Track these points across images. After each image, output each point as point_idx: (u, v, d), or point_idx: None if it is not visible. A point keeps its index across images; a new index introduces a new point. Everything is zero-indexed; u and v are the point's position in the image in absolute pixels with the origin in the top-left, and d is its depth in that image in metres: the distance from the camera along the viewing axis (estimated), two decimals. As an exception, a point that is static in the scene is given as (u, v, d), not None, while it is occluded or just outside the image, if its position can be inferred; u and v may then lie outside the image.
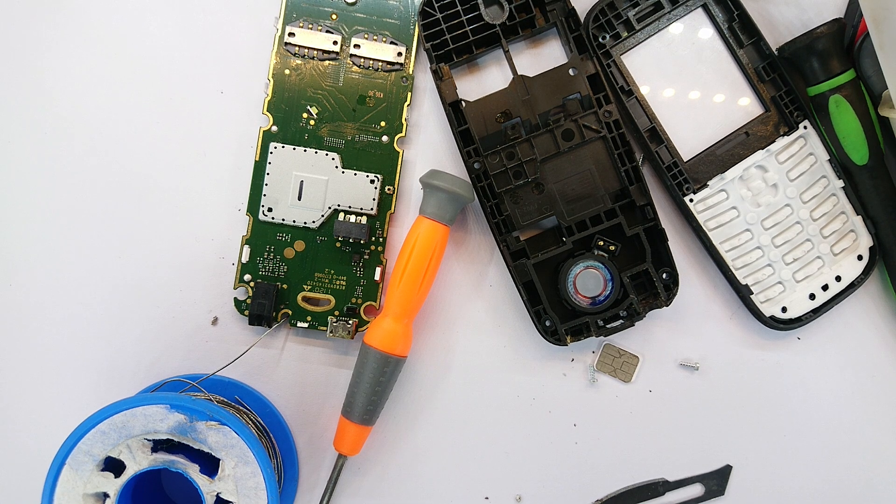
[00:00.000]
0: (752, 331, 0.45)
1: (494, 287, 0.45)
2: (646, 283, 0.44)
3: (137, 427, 0.35)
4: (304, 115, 0.44)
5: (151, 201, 0.44)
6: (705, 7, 0.44)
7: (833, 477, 0.46)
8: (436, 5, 0.43)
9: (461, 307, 0.45)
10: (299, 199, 0.43)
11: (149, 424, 0.35)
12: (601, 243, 0.43)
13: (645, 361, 0.45)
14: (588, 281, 0.42)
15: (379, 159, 0.44)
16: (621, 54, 0.44)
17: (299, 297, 0.44)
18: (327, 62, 0.44)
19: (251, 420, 0.42)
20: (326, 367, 0.44)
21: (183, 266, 0.44)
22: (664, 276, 0.43)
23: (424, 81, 0.45)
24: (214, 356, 0.44)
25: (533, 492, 0.45)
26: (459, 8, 0.43)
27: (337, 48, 0.44)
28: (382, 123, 0.44)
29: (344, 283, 0.44)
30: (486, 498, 0.45)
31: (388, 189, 0.44)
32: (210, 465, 0.36)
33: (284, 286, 0.44)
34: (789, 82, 0.43)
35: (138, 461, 0.35)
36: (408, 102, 0.44)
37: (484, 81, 0.45)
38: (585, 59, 0.43)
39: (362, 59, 0.44)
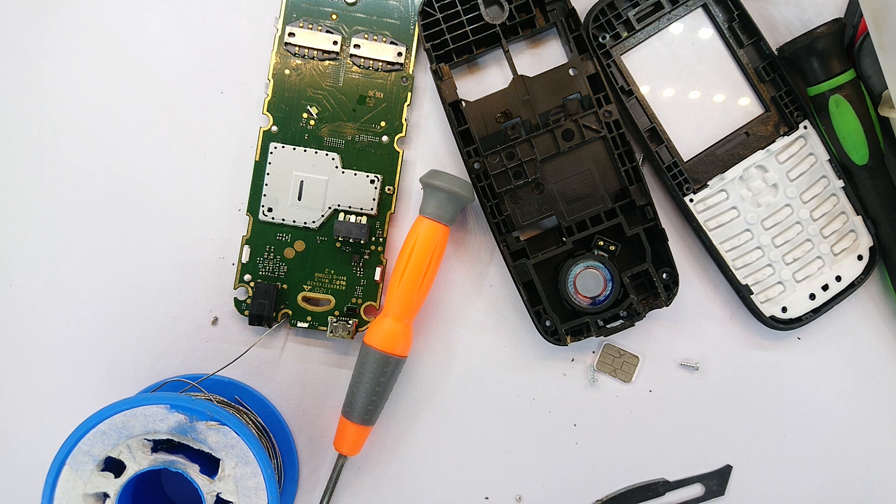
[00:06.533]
0: (752, 331, 0.45)
1: (494, 287, 0.45)
2: (646, 283, 0.44)
3: (137, 427, 0.35)
4: (304, 115, 0.44)
5: (151, 201, 0.44)
6: (705, 7, 0.44)
7: (833, 477, 0.46)
8: (436, 5, 0.43)
9: (461, 307, 0.45)
10: (299, 199, 0.43)
11: (149, 424, 0.35)
12: (601, 243, 0.43)
13: (645, 361, 0.45)
14: (588, 281, 0.42)
15: (379, 159, 0.44)
16: (621, 54, 0.44)
17: (299, 297, 0.44)
18: (327, 62, 0.44)
19: (251, 420, 0.42)
20: (326, 367, 0.44)
21: (183, 266, 0.44)
22: (664, 276, 0.43)
23: (424, 81, 0.45)
24: (214, 356, 0.44)
25: (533, 492, 0.45)
26: (459, 8, 0.43)
27: (337, 48, 0.44)
28: (382, 123, 0.44)
29: (344, 283, 0.44)
30: (486, 498, 0.45)
31: (388, 189, 0.44)
32: (210, 465, 0.36)
33: (284, 286, 0.44)
34: (789, 82, 0.43)
35: (138, 461, 0.35)
36: (408, 102, 0.44)
37: (484, 81, 0.45)
38: (585, 59, 0.43)
39: (362, 59, 0.44)
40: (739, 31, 0.44)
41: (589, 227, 0.43)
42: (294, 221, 0.43)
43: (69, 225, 0.44)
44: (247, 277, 0.43)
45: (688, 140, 0.44)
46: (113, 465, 0.35)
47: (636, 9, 0.43)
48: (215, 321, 0.44)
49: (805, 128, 0.44)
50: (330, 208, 0.43)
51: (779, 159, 0.44)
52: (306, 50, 0.43)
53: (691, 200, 0.43)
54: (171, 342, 0.44)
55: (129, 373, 0.44)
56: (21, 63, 0.44)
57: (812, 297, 0.44)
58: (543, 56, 0.45)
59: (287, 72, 0.44)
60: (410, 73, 0.44)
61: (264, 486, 0.35)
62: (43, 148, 0.44)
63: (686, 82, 0.44)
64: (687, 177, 0.43)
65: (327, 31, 0.44)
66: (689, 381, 0.45)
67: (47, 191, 0.44)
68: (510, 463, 0.45)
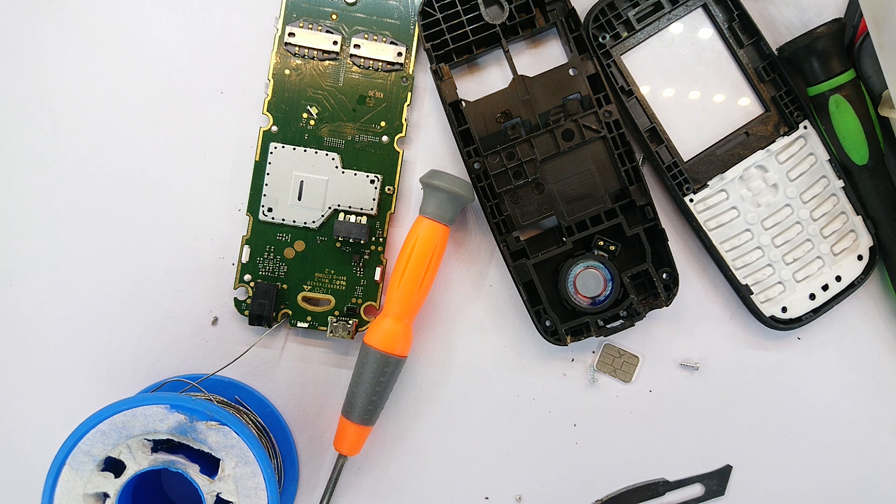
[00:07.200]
0: (752, 331, 0.45)
1: (494, 287, 0.45)
2: (646, 283, 0.44)
3: (137, 427, 0.35)
4: (304, 115, 0.44)
5: (151, 201, 0.44)
6: (705, 7, 0.44)
7: (833, 477, 0.46)
8: (436, 5, 0.43)
9: (461, 307, 0.45)
10: (299, 199, 0.43)
11: (149, 424, 0.35)
12: (601, 243, 0.43)
13: (645, 361, 0.45)
14: (588, 281, 0.42)
15: (379, 159, 0.44)
16: (621, 54, 0.44)
17: (299, 297, 0.44)
18: (327, 62, 0.44)
19: (251, 420, 0.42)
20: (326, 367, 0.44)
21: (183, 266, 0.44)
22: (664, 276, 0.43)
23: (424, 81, 0.45)
24: (214, 356, 0.44)
25: (533, 492, 0.45)
26: (459, 8, 0.43)
27: (337, 48, 0.44)
28: (382, 123, 0.44)
29: (344, 283, 0.44)
30: (486, 498, 0.45)
31: (388, 189, 0.44)
32: (210, 465, 0.36)
33: (284, 286, 0.44)
34: (789, 82, 0.43)
35: (138, 461, 0.35)
36: (408, 102, 0.44)
37: (484, 81, 0.45)
38: (585, 59, 0.43)
39: (362, 59, 0.44)
40: (739, 31, 0.44)
41: (589, 227, 0.43)
42: (294, 221, 0.43)
43: (69, 225, 0.44)
44: (247, 277, 0.43)
45: (688, 140, 0.44)
46: (113, 465, 0.35)
47: (636, 9, 0.43)
48: (215, 321, 0.44)
49: (805, 128, 0.44)
50: (330, 208, 0.43)
51: (779, 159, 0.44)
52: (306, 50, 0.43)
53: (691, 200, 0.43)
54: (171, 342, 0.44)
55: (129, 373, 0.44)
56: (21, 63, 0.44)
57: (812, 297, 0.44)
58: (543, 56, 0.45)
59: (287, 72, 0.44)
60: (410, 73, 0.44)
61: (264, 486, 0.35)
62: (43, 148, 0.44)
63: (686, 82, 0.44)
64: (687, 177, 0.43)
65: (327, 31, 0.44)
66: (689, 381, 0.45)
67: (47, 191, 0.44)
68: (510, 463, 0.45)
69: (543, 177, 0.43)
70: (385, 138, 0.44)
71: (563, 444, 0.45)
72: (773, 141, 0.44)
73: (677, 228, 0.45)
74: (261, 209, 0.43)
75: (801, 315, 0.44)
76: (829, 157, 0.44)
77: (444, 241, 0.42)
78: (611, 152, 0.43)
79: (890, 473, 0.46)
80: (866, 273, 0.44)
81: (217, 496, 0.36)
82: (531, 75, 0.43)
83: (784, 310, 0.44)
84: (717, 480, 0.45)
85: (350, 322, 0.43)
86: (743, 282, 0.44)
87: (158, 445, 0.36)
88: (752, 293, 0.44)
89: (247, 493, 0.36)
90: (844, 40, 0.43)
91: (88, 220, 0.44)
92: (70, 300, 0.44)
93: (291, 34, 0.43)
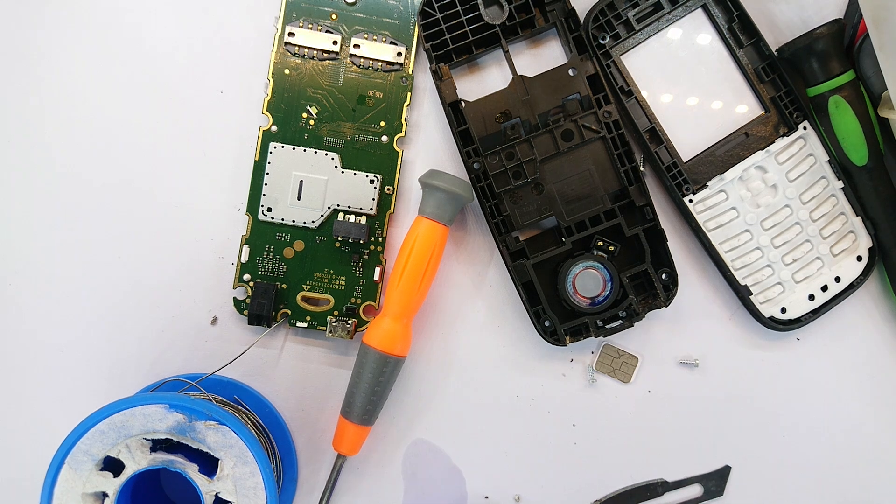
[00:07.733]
0: (751, 331, 0.45)
1: (494, 287, 0.45)
2: (645, 284, 0.44)
3: (136, 427, 0.35)
4: (304, 115, 0.44)
5: (151, 201, 0.44)
6: (705, 8, 0.44)
7: (832, 477, 0.46)
8: (436, 5, 0.43)
9: (461, 307, 0.45)
10: (299, 198, 0.43)
11: (148, 424, 0.35)
12: (600, 244, 0.43)
13: (644, 362, 0.45)
14: (587, 281, 0.42)
15: (378, 159, 0.44)
16: (621, 55, 0.44)
17: (298, 297, 0.44)
18: (327, 62, 0.44)
19: (250, 420, 0.42)
20: (326, 367, 0.44)
21: (183, 266, 0.44)
22: (663, 276, 0.43)
23: (424, 81, 0.45)
24: (214, 356, 0.44)
25: (532, 492, 0.45)
26: (459, 8, 0.43)
27: (337, 48, 0.44)
28: (382, 123, 0.44)
29: (343, 282, 0.44)
30: (486, 497, 0.45)
31: (388, 189, 0.44)
32: (209, 464, 0.36)
33: (284, 286, 0.44)
34: (789, 83, 0.43)
35: (137, 461, 0.35)
36: (407, 102, 0.44)
37: (484, 81, 0.45)
38: (585, 60, 0.43)
39: (362, 59, 0.44)
40: (739, 32, 0.44)
41: (588, 228, 0.43)
42: (293, 221, 0.43)
43: (69, 225, 0.44)
44: (246, 277, 0.43)
45: (687, 140, 0.44)
46: (112, 465, 0.35)
47: (636, 9, 0.43)
48: (215, 321, 0.44)
49: (804, 128, 0.44)
50: (329, 208, 0.43)
51: (778, 160, 0.44)
52: (306, 50, 0.44)
53: (690, 201, 0.43)
54: (170, 342, 0.44)
55: (128, 373, 0.44)
56: (22, 62, 0.44)
57: (811, 297, 0.44)
58: (543, 56, 0.45)
59: (287, 71, 0.44)
60: (410, 73, 0.44)
61: (263, 485, 0.35)
62: (43, 147, 0.44)
63: (686, 83, 0.44)
64: (686, 177, 0.43)
65: (327, 31, 0.44)
66: (688, 382, 0.45)
67: (46, 190, 0.44)
68: (509, 463, 0.45)
69: (543, 177, 0.43)
70: (385, 138, 0.44)
71: (561, 444, 0.45)
72: (773, 142, 0.44)
73: (677, 229, 0.45)
74: (260, 209, 0.43)
75: (801, 316, 0.44)
76: (828, 158, 0.44)
77: (443, 241, 0.42)
78: (610, 153, 0.43)
79: (890, 474, 0.46)
80: (865, 274, 0.44)
81: (216, 496, 0.36)
82: (531, 75, 0.43)
83: (783, 310, 0.44)
84: (716, 481, 0.45)
85: (349, 322, 0.43)
86: (742, 282, 0.44)
87: (157, 445, 0.36)
88: (752, 294, 0.44)
89: (245, 492, 0.36)
90: (844, 41, 0.43)
91: (88, 220, 0.44)
92: (70, 300, 0.44)
93: (291, 34, 0.43)
